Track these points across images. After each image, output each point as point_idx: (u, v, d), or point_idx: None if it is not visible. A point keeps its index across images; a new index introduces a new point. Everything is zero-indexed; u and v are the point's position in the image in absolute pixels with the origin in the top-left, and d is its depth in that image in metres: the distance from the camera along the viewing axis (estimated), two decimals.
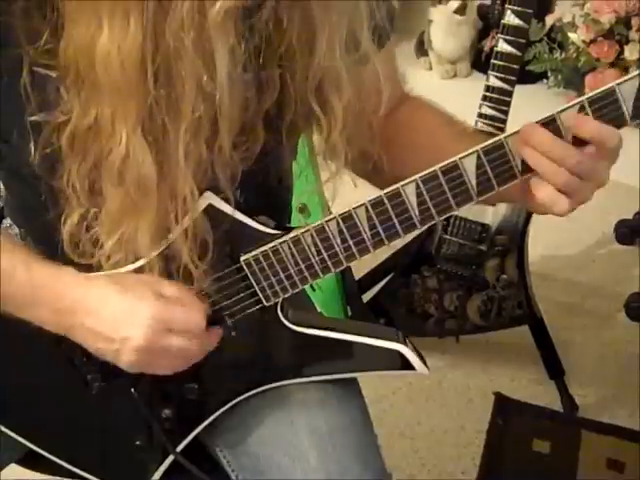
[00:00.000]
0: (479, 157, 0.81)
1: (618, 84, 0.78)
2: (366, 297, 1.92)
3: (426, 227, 0.87)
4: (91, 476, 1.00)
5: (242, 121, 0.78)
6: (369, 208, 0.83)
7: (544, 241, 2.15)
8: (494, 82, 1.59)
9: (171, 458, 0.96)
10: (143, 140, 0.72)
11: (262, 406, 0.95)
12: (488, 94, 1.60)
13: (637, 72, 0.78)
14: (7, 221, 1.00)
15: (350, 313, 1.88)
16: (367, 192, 0.86)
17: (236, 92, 0.73)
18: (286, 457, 0.92)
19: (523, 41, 1.55)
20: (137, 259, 0.84)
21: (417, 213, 0.83)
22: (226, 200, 0.82)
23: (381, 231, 0.84)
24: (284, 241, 0.85)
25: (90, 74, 0.69)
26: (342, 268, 0.88)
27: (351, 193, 0.90)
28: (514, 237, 1.72)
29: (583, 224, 2.29)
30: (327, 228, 0.84)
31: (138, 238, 0.78)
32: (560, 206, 0.80)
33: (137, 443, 0.95)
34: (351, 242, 0.85)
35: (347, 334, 0.91)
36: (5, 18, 0.72)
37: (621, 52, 2.70)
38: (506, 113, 1.61)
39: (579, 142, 0.79)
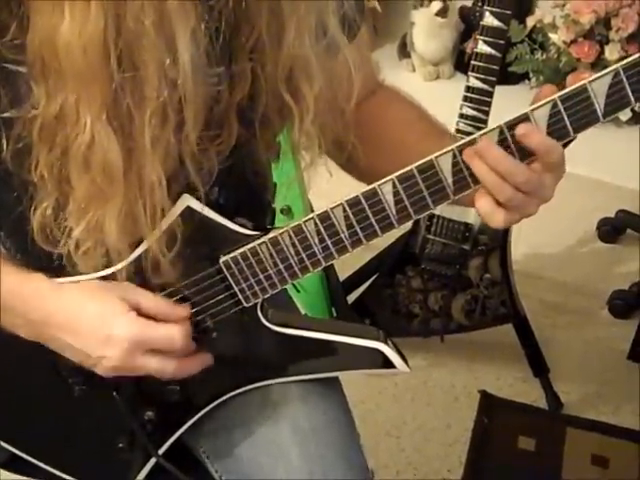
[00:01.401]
0: (455, 156, 0.81)
1: (590, 81, 0.79)
2: (351, 298, 1.93)
3: (403, 226, 0.88)
4: (75, 479, 1.00)
5: (212, 112, 0.78)
6: (346, 207, 0.84)
7: (527, 240, 2.16)
8: (474, 83, 1.60)
9: (154, 460, 0.97)
10: (108, 126, 0.72)
11: (244, 406, 0.96)
12: (469, 94, 1.61)
13: (608, 69, 0.79)
14: None
15: (335, 314, 1.88)
16: (344, 185, 0.86)
17: (200, 78, 0.73)
18: (269, 457, 0.93)
19: (502, 42, 1.57)
20: (106, 248, 0.81)
21: (394, 212, 0.84)
22: (200, 199, 0.82)
23: (359, 230, 0.85)
24: (262, 242, 0.86)
25: (54, 62, 0.69)
26: (320, 268, 0.88)
27: (327, 185, 0.91)
28: (497, 236, 1.73)
29: (566, 223, 2.30)
30: (305, 228, 0.85)
31: (106, 225, 0.77)
32: (495, 219, 0.80)
33: (120, 446, 0.95)
34: (329, 242, 0.85)
35: (327, 333, 0.92)
36: None
37: (601, 52, 2.72)
38: (487, 113, 1.62)
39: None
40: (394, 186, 0.83)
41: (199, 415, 0.96)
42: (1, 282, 0.82)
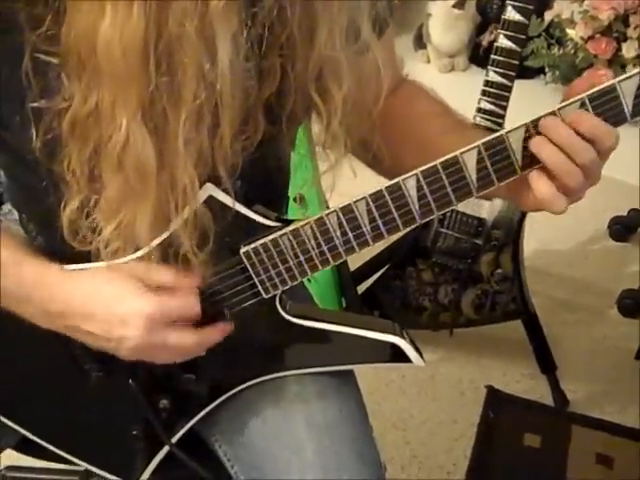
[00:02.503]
0: (480, 152, 0.81)
1: (619, 81, 0.79)
2: (361, 288, 1.93)
3: (425, 221, 0.87)
4: (87, 464, 1.00)
5: (243, 110, 0.77)
6: (369, 201, 0.83)
7: (538, 236, 2.16)
8: (493, 77, 1.59)
9: (166, 449, 0.97)
10: (143, 127, 0.71)
11: (259, 398, 0.96)
12: (487, 89, 1.60)
13: (637, 70, 0.79)
14: (7, 207, 1.00)
15: (345, 305, 1.88)
16: (366, 184, 0.86)
17: (237, 81, 0.73)
18: (283, 450, 0.93)
19: (523, 37, 1.56)
20: (136, 247, 0.83)
21: (417, 207, 0.84)
22: (226, 191, 0.82)
23: (381, 225, 0.84)
24: (284, 233, 0.85)
25: (91, 60, 0.69)
26: (341, 261, 0.88)
27: (349, 184, 0.91)
28: (510, 232, 1.73)
29: (577, 220, 2.29)
30: (327, 221, 0.84)
31: (136, 226, 0.77)
32: (559, 204, 0.80)
33: (134, 433, 0.95)
34: (351, 235, 0.85)
35: (344, 326, 0.92)
36: (8, 4, 0.72)
37: (619, 49, 2.70)
38: (505, 108, 1.61)
39: None
40: (418, 181, 0.82)
41: (213, 405, 0.96)
42: (22, 271, 0.82)
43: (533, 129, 0.80)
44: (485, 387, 1.84)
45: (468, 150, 0.81)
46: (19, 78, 0.74)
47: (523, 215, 1.71)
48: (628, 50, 2.68)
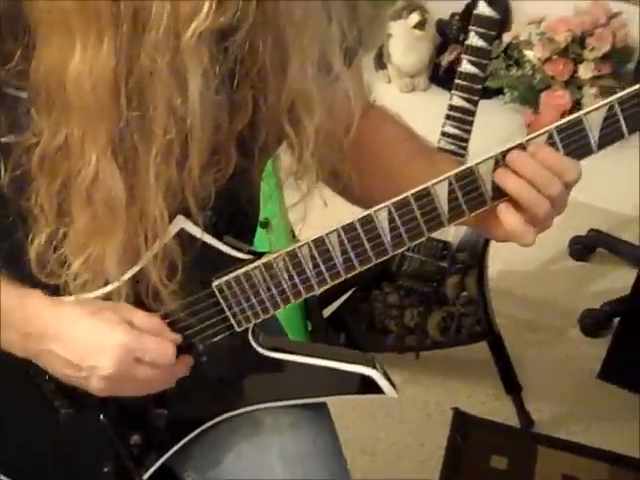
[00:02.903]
0: (450, 183, 0.82)
1: (585, 114, 0.80)
2: (327, 312, 1.92)
3: (397, 253, 0.87)
4: None
5: (213, 143, 0.77)
6: (341, 233, 0.83)
7: (501, 258, 2.18)
8: (457, 102, 1.61)
9: None
10: (113, 162, 0.71)
11: (233, 431, 0.95)
12: (451, 113, 1.62)
13: (603, 102, 0.80)
14: None
15: (310, 328, 1.88)
16: (336, 214, 0.86)
17: (208, 115, 0.73)
18: None
19: (486, 62, 1.57)
20: (105, 280, 0.82)
21: (389, 239, 0.84)
22: (195, 223, 0.81)
23: (353, 256, 0.84)
24: (256, 266, 0.85)
25: (60, 95, 0.68)
26: (314, 293, 0.88)
27: (320, 215, 0.91)
28: (475, 254, 1.74)
29: (538, 241, 2.30)
30: (299, 253, 0.84)
31: (105, 259, 0.76)
32: (528, 236, 0.81)
33: (105, 470, 0.93)
34: (323, 267, 0.85)
35: (317, 359, 0.91)
36: None
37: (575, 71, 2.75)
38: (469, 132, 1.63)
39: None
40: (390, 213, 0.83)
41: (186, 439, 0.94)
42: (1, 299, 0.81)
43: (502, 160, 0.81)
44: (451, 409, 1.85)
45: (439, 181, 0.82)
46: None
47: (488, 239, 1.72)
48: (585, 71, 2.73)
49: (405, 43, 2.96)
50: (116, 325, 0.81)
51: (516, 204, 0.81)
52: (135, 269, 0.81)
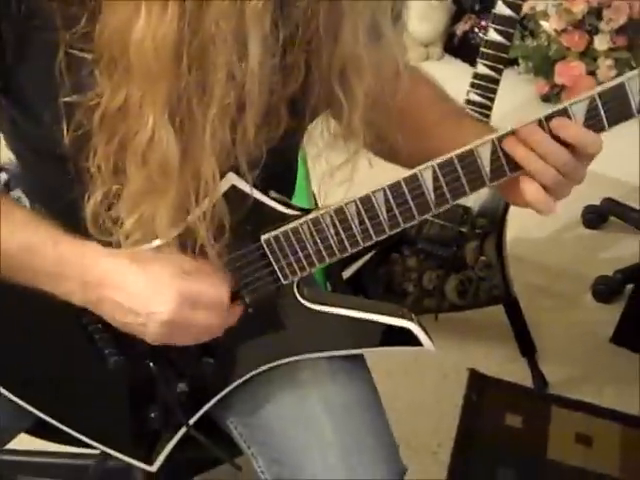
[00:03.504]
0: (494, 145, 0.85)
1: (628, 79, 0.83)
2: (346, 273, 1.96)
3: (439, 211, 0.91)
4: (103, 447, 1.02)
5: (267, 105, 0.79)
6: (387, 192, 0.87)
7: (515, 225, 2.20)
8: (482, 70, 1.63)
9: (183, 432, 0.99)
10: (169, 124, 0.73)
11: (275, 381, 0.99)
12: (476, 81, 1.64)
13: None
14: (16, 193, 1.01)
15: (330, 289, 1.91)
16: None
17: (265, 79, 0.75)
18: (301, 430, 0.96)
19: (512, 31, 1.59)
20: (155, 238, 0.85)
21: (433, 197, 0.87)
22: (246, 181, 0.84)
23: (397, 214, 0.88)
24: (304, 222, 0.88)
25: (123, 58, 0.70)
26: (359, 248, 0.91)
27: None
28: (494, 220, 1.77)
29: None
30: (346, 210, 0.88)
31: (157, 219, 0.79)
32: (546, 204, 0.85)
33: (151, 415, 0.97)
34: (368, 224, 0.88)
35: (359, 311, 0.95)
36: (44, 3, 0.73)
37: (591, 42, 2.77)
38: (492, 100, 1.65)
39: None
40: (434, 172, 0.86)
41: (230, 388, 0.98)
42: (61, 250, 0.83)
43: (546, 123, 0.84)
44: (467, 370, 1.90)
45: (483, 143, 0.85)
46: (52, 74, 0.75)
47: (507, 204, 1.76)
48: (600, 43, 2.75)
49: (420, 12, 2.97)
50: (172, 272, 0.84)
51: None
52: (183, 226, 0.83)
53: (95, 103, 0.75)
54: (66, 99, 0.77)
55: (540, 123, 0.84)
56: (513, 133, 0.84)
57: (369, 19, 0.80)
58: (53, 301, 0.86)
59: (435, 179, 0.86)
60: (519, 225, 2.22)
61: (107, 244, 0.84)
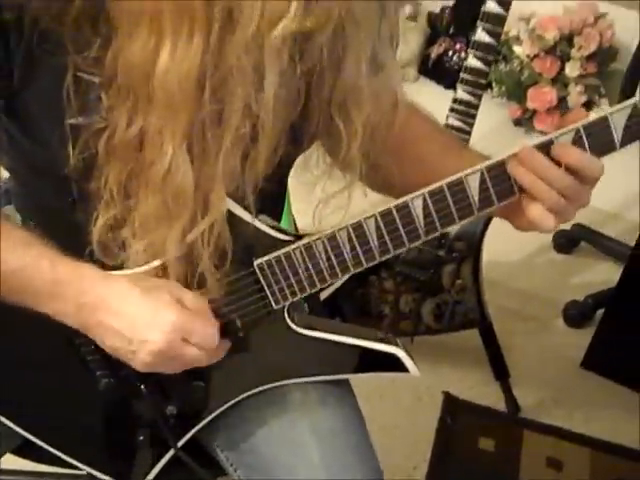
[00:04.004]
0: (482, 174, 0.86)
1: (611, 113, 0.85)
2: (323, 295, 1.96)
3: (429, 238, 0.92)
4: (90, 469, 1.02)
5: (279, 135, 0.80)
6: (378, 219, 0.88)
7: (489, 249, 2.23)
8: (462, 95, 1.65)
9: (170, 454, 0.99)
10: (186, 154, 0.74)
11: (263, 405, 0.99)
12: (455, 106, 1.66)
13: (628, 102, 0.85)
14: (7, 210, 1.00)
15: (307, 310, 1.91)
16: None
17: (279, 111, 0.76)
18: (289, 455, 0.96)
19: (491, 58, 1.62)
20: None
21: (422, 225, 0.88)
22: (247, 207, 0.84)
23: (388, 241, 0.89)
24: (297, 247, 0.89)
25: (143, 88, 0.71)
26: (349, 275, 0.92)
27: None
28: (471, 244, 1.79)
29: (524, 234, 2.37)
30: (338, 236, 0.89)
31: (167, 243, 0.80)
32: (548, 223, 0.87)
33: (140, 438, 0.97)
34: (359, 250, 0.90)
35: (348, 337, 0.96)
36: (56, 27, 0.74)
37: (562, 68, 2.82)
38: (471, 125, 1.67)
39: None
40: (424, 200, 0.87)
41: (219, 411, 0.98)
42: (57, 271, 0.83)
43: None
44: (442, 393, 1.91)
45: (472, 172, 0.86)
46: (59, 96, 0.76)
47: (485, 229, 1.78)
48: (571, 69, 2.80)
49: None
50: (169, 303, 0.84)
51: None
52: (184, 248, 0.83)
53: (103, 127, 0.76)
54: (72, 121, 0.78)
55: (551, 143, 0.85)
56: (502, 164, 0.86)
57: (371, 50, 0.81)
58: (46, 321, 0.85)
59: (425, 207, 0.88)
60: (492, 249, 2.24)
61: (111, 267, 0.84)
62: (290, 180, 1.01)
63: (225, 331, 0.90)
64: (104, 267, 0.85)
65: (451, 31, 3.11)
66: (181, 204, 0.77)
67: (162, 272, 0.86)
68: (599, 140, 0.85)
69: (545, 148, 0.85)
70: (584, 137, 0.85)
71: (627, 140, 0.86)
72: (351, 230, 0.88)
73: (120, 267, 0.84)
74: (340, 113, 0.84)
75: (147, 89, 0.71)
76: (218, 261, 0.84)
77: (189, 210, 0.78)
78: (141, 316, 0.83)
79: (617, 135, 0.86)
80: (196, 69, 0.69)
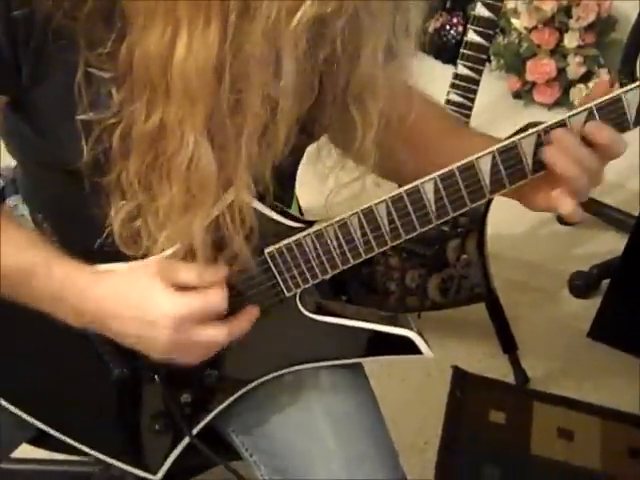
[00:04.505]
0: (494, 157, 0.86)
1: (625, 92, 0.85)
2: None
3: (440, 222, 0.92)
4: (107, 458, 1.02)
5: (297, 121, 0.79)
6: (389, 204, 0.88)
7: (493, 222, 2.23)
8: (462, 71, 1.65)
9: (186, 442, 1.00)
10: (208, 142, 0.74)
11: (277, 391, 1.00)
12: (456, 82, 1.66)
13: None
14: (11, 201, 1.00)
15: (318, 294, 1.92)
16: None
17: (297, 97, 0.75)
18: (305, 440, 0.97)
19: (491, 32, 1.61)
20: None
21: (434, 209, 0.88)
22: (262, 196, 0.84)
23: (399, 226, 0.89)
24: (307, 234, 0.89)
25: (161, 80, 0.71)
26: (361, 260, 0.92)
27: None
28: (475, 219, 1.79)
29: None
30: (349, 223, 0.89)
31: (192, 228, 0.79)
32: (569, 205, 0.86)
33: (155, 426, 0.98)
34: (371, 236, 0.89)
35: (360, 321, 0.96)
36: (69, 23, 0.73)
37: (561, 40, 2.80)
38: (472, 100, 1.67)
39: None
40: (435, 184, 0.87)
41: (233, 398, 0.99)
42: (53, 273, 0.83)
43: (544, 136, 0.86)
44: (451, 367, 1.92)
45: (483, 155, 0.86)
46: (70, 92, 0.76)
47: (489, 203, 1.78)
48: (570, 41, 2.78)
49: None
50: (163, 295, 0.82)
51: (554, 177, 0.85)
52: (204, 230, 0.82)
53: (117, 121, 0.75)
54: (82, 117, 0.77)
55: (539, 137, 0.85)
56: (515, 146, 0.85)
57: (385, 41, 0.80)
58: None
59: (436, 191, 0.87)
60: (496, 222, 2.24)
61: (133, 258, 0.84)
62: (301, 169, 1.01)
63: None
64: (125, 258, 0.84)
65: (448, 5, 3.09)
66: (205, 191, 0.77)
67: (190, 255, 0.85)
68: (613, 120, 0.84)
69: (546, 134, 0.85)
70: (597, 117, 0.84)
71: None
72: (362, 216, 0.88)
73: (143, 257, 0.84)
74: (356, 103, 0.83)
75: (165, 81, 0.71)
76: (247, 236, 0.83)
77: (212, 196, 0.77)
78: (139, 317, 0.83)
79: (631, 114, 0.85)
80: (214, 58, 0.69)
